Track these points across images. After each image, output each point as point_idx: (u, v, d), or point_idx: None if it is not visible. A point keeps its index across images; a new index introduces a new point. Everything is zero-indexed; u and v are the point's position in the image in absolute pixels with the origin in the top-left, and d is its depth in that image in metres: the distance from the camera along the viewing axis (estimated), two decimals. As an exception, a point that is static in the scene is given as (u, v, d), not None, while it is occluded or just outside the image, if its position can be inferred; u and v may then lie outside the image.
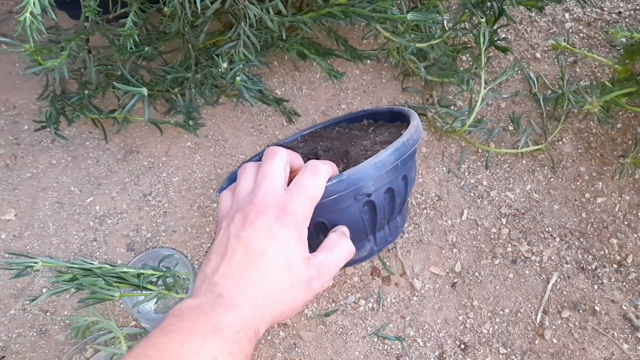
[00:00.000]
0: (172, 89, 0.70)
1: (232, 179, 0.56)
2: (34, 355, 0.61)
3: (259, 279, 0.37)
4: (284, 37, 0.67)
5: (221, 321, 0.34)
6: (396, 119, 0.60)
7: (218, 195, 0.52)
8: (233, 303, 0.36)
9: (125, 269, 0.50)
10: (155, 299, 0.54)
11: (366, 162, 0.44)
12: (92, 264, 0.48)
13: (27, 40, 0.48)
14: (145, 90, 0.61)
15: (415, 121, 0.52)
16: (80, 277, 0.47)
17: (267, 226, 0.38)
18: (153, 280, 0.52)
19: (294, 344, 0.61)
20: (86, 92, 0.69)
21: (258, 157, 0.64)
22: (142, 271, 0.51)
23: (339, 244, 0.43)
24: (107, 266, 0.49)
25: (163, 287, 0.52)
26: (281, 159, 0.43)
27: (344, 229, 0.45)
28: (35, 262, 0.46)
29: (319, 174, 0.42)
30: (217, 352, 0.33)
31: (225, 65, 0.60)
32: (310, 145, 0.59)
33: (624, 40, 0.68)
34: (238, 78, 0.60)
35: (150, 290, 0.51)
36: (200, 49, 0.71)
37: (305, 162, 0.47)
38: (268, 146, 0.49)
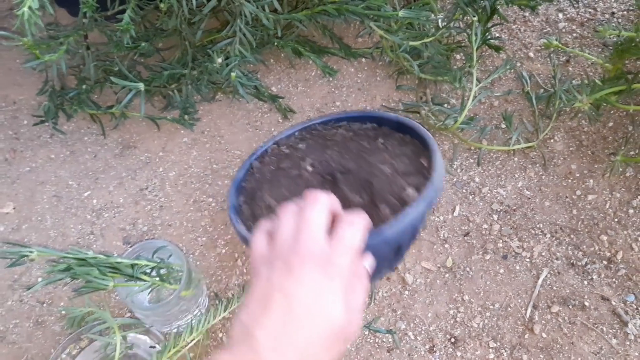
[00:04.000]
0: (169, 85, 0.71)
1: (237, 186, 0.53)
2: (30, 345, 0.62)
3: (301, 339, 0.36)
4: (280, 35, 0.68)
5: None
6: (401, 129, 0.54)
7: (231, 217, 0.49)
8: None
9: (119, 259, 0.50)
10: (149, 290, 0.55)
11: (404, 222, 0.43)
12: (86, 254, 0.49)
13: (25, 34, 0.49)
14: (142, 85, 0.62)
15: (438, 171, 0.46)
16: (74, 267, 0.48)
17: (311, 279, 0.37)
18: (147, 271, 0.53)
19: (287, 337, 0.62)
20: (84, 87, 0.71)
21: (256, 156, 0.60)
22: (136, 262, 0.52)
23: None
24: (102, 256, 0.50)
25: (157, 278, 0.53)
26: (324, 206, 0.41)
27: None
28: (31, 252, 0.47)
29: (357, 227, 0.42)
30: None
31: (220, 60, 0.61)
32: (314, 151, 0.54)
33: (615, 39, 0.69)
34: (233, 74, 0.61)
35: (144, 280, 0.52)
36: (197, 46, 0.72)
37: (321, 180, 0.48)
38: (306, 191, 0.46)
